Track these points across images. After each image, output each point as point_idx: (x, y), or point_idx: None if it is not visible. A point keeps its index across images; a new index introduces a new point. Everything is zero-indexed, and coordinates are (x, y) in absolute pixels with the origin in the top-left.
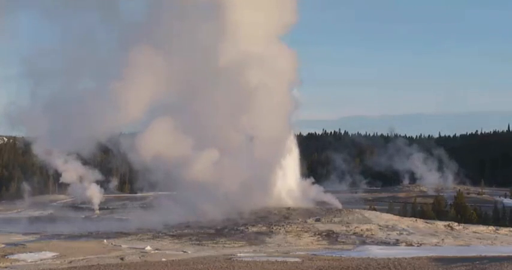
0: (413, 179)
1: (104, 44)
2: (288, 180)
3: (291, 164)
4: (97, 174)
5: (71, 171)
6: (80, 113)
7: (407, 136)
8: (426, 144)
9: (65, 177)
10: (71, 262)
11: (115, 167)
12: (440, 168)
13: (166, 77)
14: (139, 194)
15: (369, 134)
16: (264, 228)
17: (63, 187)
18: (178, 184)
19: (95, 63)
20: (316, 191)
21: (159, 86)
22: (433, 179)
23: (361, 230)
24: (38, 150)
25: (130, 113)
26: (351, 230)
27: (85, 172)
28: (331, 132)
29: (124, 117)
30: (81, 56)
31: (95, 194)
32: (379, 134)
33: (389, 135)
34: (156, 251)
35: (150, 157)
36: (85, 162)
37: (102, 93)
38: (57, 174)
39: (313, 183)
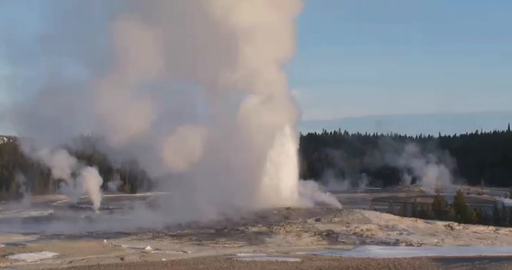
0: (413, 179)
1: (88, 18)
2: (288, 180)
3: (290, 162)
4: (94, 171)
5: (61, 166)
6: (65, 106)
7: (407, 136)
8: (426, 144)
9: (56, 173)
10: (71, 262)
11: (115, 166)
12: (440, 168)
13: (155, 53)
14: (139, 194)
15: (369, 134)
16: (264, 228)
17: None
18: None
19: (79, 43)
20: (316, 191)
21: (146, 65)
22: (433, 179)
23: (361, 230)
24: (24, 147)
25: (118, 103)
26: (351, 230)
27: (78, 167)
28: (331, 132)
29: (111, 109)
30: (64, 33)
31: (92, 187)
32: (379, 134)
33: (389, 135)
34: (156, 251)
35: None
36: (82, 160)
37: (87, 83)
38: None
39: (313, 183)
